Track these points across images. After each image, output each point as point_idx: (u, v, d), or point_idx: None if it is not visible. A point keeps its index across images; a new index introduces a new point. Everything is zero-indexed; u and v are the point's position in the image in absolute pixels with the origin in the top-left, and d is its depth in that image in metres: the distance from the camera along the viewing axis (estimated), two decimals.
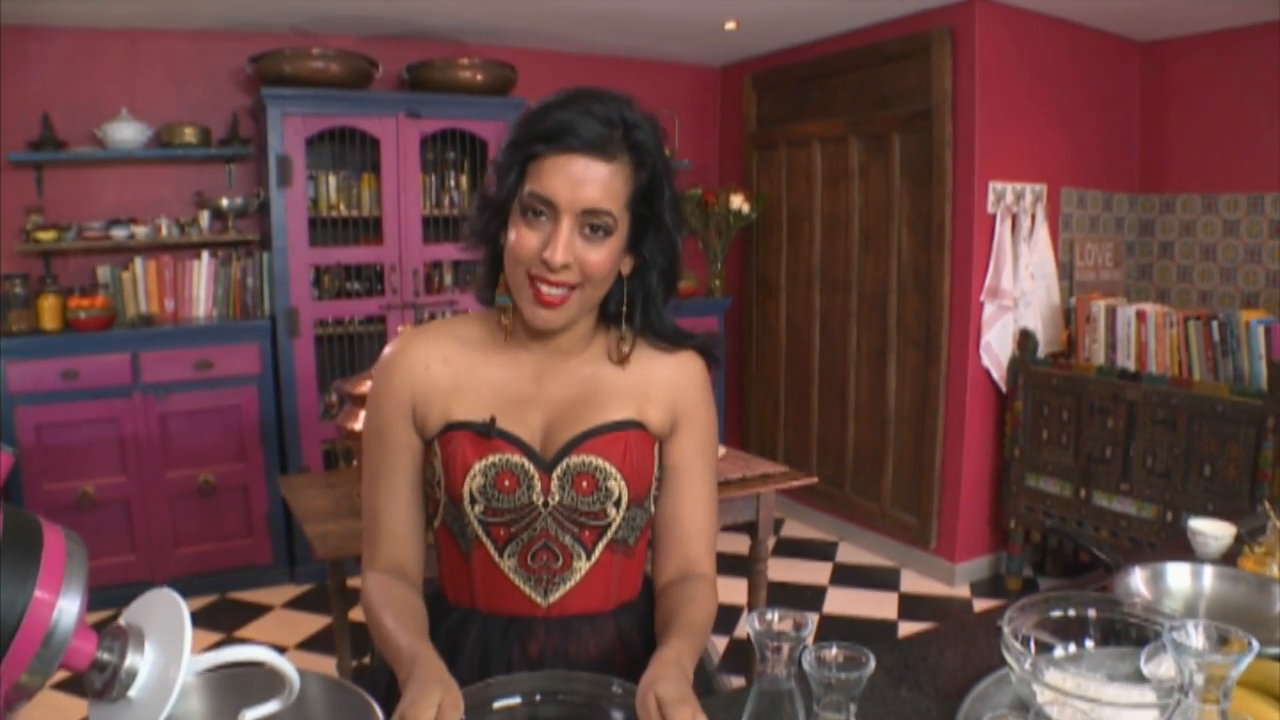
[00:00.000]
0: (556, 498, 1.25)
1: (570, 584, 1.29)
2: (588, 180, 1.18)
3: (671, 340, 1.35)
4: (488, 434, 1.24)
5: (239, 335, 4.10)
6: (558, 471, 1.25)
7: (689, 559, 1.34)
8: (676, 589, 1.30)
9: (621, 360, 1.32)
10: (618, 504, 1.27)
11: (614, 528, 1.28)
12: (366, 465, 1.34)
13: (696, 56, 5.35)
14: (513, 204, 1.23)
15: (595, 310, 1.31)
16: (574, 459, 1.25)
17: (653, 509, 1.35)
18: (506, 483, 1.24)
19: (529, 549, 1.27)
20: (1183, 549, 1.74)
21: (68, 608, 0.66)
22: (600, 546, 1.29)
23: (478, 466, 1.24)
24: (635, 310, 1.32)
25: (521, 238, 1.20)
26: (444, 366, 1.30)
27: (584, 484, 1.25)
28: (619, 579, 1.33)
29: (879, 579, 4.36)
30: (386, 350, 1.34)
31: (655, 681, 1.01)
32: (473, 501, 1.24)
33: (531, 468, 1.25)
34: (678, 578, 1.33)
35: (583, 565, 1.28)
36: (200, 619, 3.88)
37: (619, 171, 1.21)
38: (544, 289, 1.20)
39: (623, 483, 1.26)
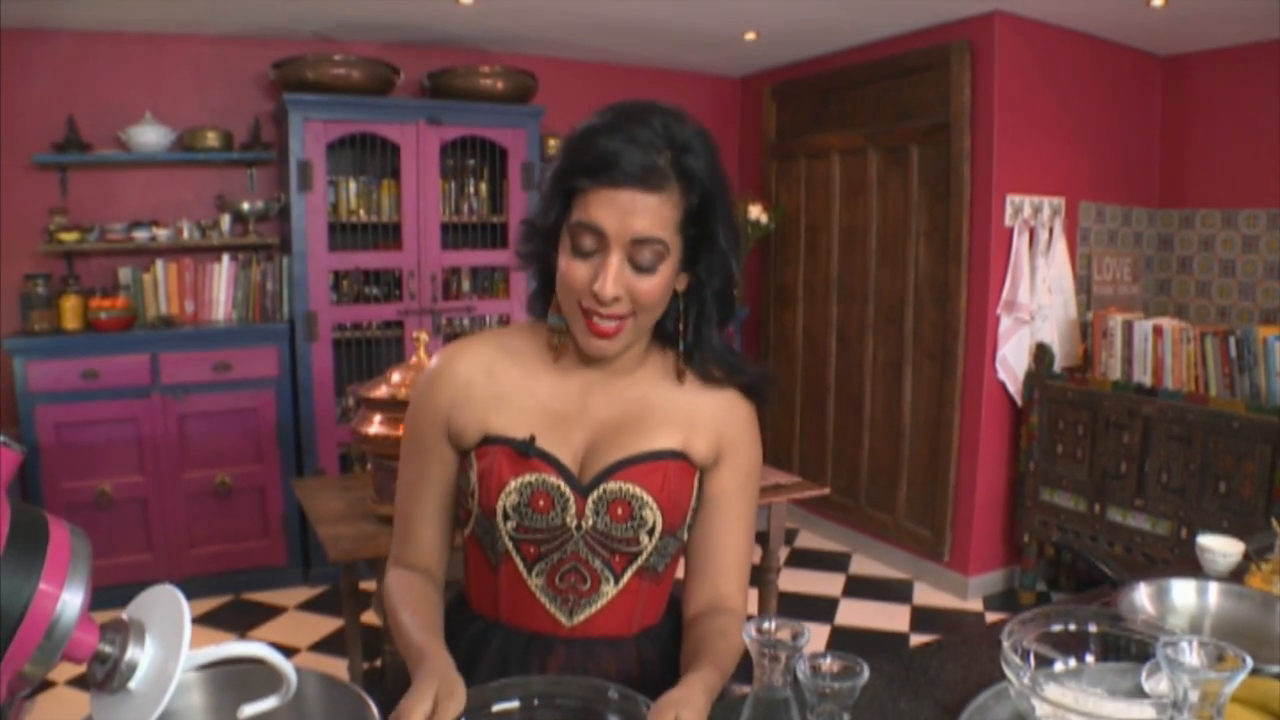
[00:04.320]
0: (590, 522, 1.24)
1: (596, 606, 1.28)
2: (636, 211, 1.15)
3: (725, 366, 1.32)
4: (526, 452, 1.23)
5: (258, 338, 4.14)
6: (593, 496, 1.23)
7: (719, 593, 1.33)
8: (706, 621, 1.29)
9: (679, 375, 1.30)
10: (651, 532, 1.25)
11: (645, 555, 1.27)
12: (402, 471, 1.36)
13: (717, 67, 5.36)
14: (561, 230, 1.22)
15: (650, 328, 1.30)
16: (611, 485, 1.23)
17: (685, 537, 1.33)
18: (541, 503, 1.22)
19: (558, 569, 1.26)
20: (1194, 566, 1.74)
21: (71, 600, 0.68)
22: (629, 572, 1.27)
23: (513, 484, 1.22)
24: (689, 328, 1.29)
25: (572, 269, 1.19)
26: (487, 379, 1.29)
27: (619, 511, 1.23)
28: (644, 604, 1.32)
29: (892, 591, 4.35)
30: (431, 362, 1.34)
31: (681, 704, 1.01)
32: (505, 518, 1.23)
33: (567, 490, 1.23)
34: (707, 610, 1.32)
35: (610, 590, 1.27)
36: (214, 619, 3.91)
37: (667, 199, 1.18)
38: (597, 320, 1.19)
39: (658, 512, 1.24)
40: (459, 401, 1.28)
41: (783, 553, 3.02)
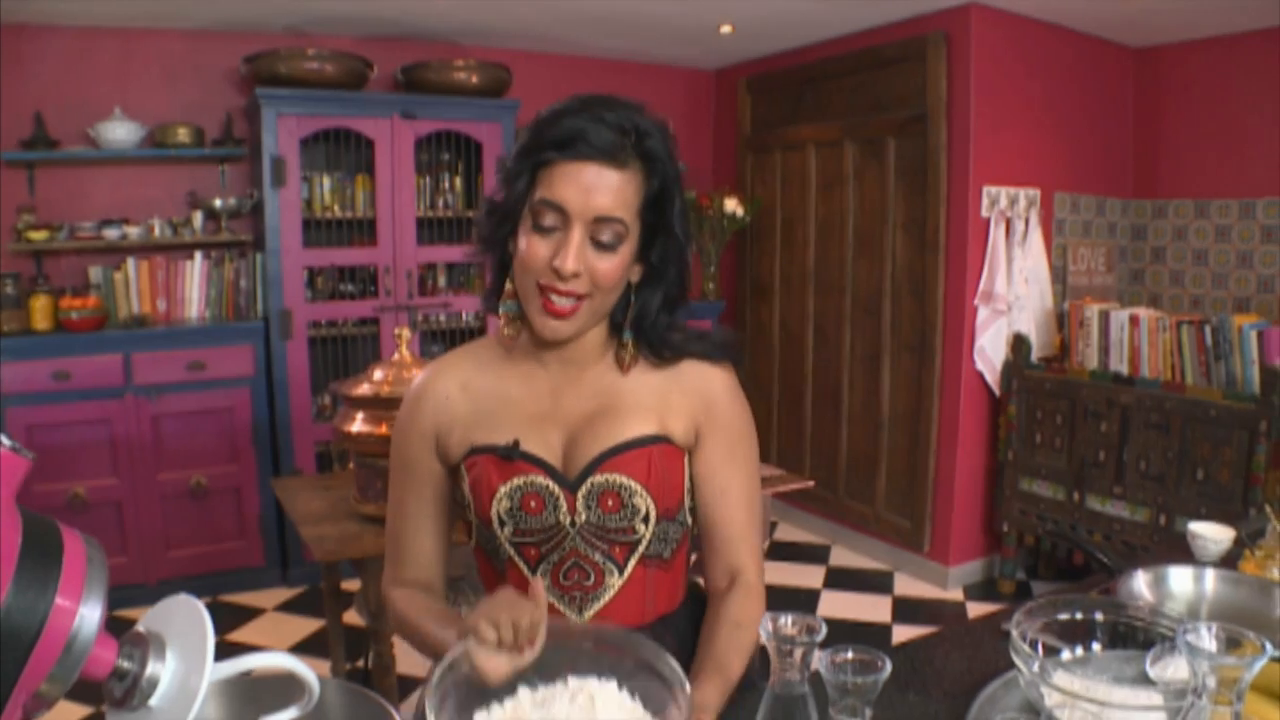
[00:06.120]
0: (583, 516, 1.25)
1: (604, 600, 1.28)
2: (599, 188, 1.17)
3: (674, 350, 1.32)
4: (510, 456, 1.24)
5: (232, 336, 4.09)
6: (582, 491, 1.24)
7: (734, 567, 1.34)
8: (725, 605, 1.30)
9: (625, 369, 1.31)
10: (646, 520, 1.26)
11: (644, 543, 1.28)
12: (392, 492, 1.38)
13: (691, 60, 5.35)
14: (523, 210, 1.22)
15: (607, 318, 1.30)
16: (598, 478, 1.24)
17: (689, 521, 1.34)
18: (533, 504, 1.24)
19: (560, 567, 1.27)
20: (1178, 552, 1.75)
21: (89, 615, 0.65)
22: (632, 562, 1.28)
23: (503, 489, 1.24)
24: (640, 320, 1.30)
25: (532, 246, 1.19)
26: (464, 393, 1.32)
27: (609, 502, 1.24)
28: (655, 592, 1.32)
29: (872, 582, 4.36)
30: (413, 384, 1.37)
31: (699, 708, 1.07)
32: (501, 524, 1.25)
33: (556, 488, 1.24)
34: (728, 586, 1.33)
35: (615, 581, 1.28)
36: None
37: (631, 179, 1.20)
38: (554, 299, 1.19)
39: (649, 499, 1.25)
40: (442, 418, 1.32)
41: (763, 545, 3.02)
